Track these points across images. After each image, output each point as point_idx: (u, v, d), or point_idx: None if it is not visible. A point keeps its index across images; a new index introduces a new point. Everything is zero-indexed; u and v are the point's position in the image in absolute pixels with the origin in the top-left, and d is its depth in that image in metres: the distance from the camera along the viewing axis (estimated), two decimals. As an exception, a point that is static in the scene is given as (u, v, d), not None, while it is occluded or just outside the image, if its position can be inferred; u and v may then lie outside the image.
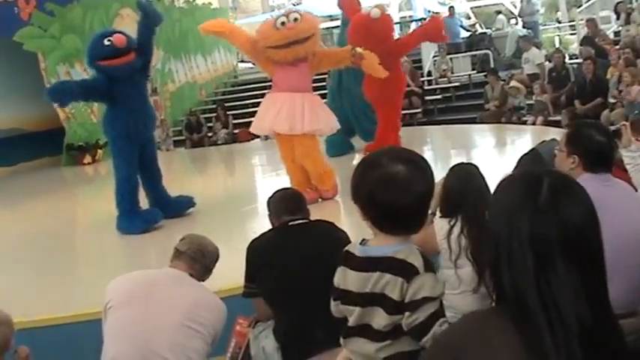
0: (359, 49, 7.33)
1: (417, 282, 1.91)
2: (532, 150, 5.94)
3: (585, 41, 14.02)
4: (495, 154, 10.65)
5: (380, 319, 1.96)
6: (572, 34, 20.32)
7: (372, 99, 9.22)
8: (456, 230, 3.30)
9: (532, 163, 5.32)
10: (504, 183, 1.56)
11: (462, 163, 3.74)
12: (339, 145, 10.57)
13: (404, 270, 1.92)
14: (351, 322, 2.04)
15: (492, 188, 1.67)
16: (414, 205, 1.91)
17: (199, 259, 3.31)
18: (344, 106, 10.50)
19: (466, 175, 3.51)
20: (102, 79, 6.80)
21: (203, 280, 3.35)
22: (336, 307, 2.12)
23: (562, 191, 1.47)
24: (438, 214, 3.44)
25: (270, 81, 8.03)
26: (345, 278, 2.05)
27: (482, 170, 3.61)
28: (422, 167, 1.95)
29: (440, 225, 3.37)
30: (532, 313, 1.39)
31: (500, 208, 1.50)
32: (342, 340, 2.14)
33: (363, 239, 2.07)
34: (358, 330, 2.03)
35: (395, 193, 1.88)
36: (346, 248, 2.11)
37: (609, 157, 3.13)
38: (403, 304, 1.92)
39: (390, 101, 9.16)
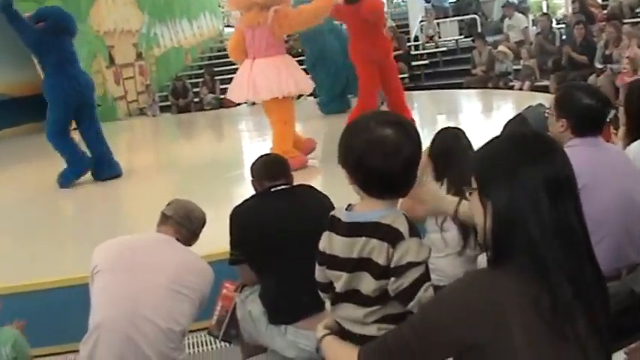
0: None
1: (403, 247, 1.90)
2: (518, 115, 5.94)
3: (578, 4, 13.93)
4: (482, 119, 10.65)
5: (368, 284, 1.94)
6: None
7: (355, 62, 8.94)
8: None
9: (518, 128, 5.32)
10: (492, 146, 1.65)
11: (448, 128, 3.75)
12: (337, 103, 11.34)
13: (389, 235, 1.91)
14: (339, 288, 2.02)
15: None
16: (402, 169, 1.90)
17: (186, 224, 3.31)
18: (330, 73, 10.61)
19: (452, 138, 3.54)
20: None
21: (190, 245, 3.35)
22: (321, 273, 2.11)
23: (547, 140, 1.65)
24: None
25: None
26: (331, 243, 2.04)
27: (468, 135, 3.63)
28: (410, 131, 1.93)
29: None
30: (551, 262, 1.49)
31: (505, 164, 1.58)
32: (329, 307, 2.13)
33: (349, 204, 2.06)
34: (346, 296, 2.01)
35: (383, 157, 1.87)
36: (332, 213, 2.09)
37: (599, 120, 3.07)
38: (389, 269, 1.91)
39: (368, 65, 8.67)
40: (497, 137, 1.70)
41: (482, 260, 2.55)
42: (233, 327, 3.47)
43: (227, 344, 3.68)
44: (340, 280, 2.01)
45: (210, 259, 3.67)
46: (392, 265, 1.90)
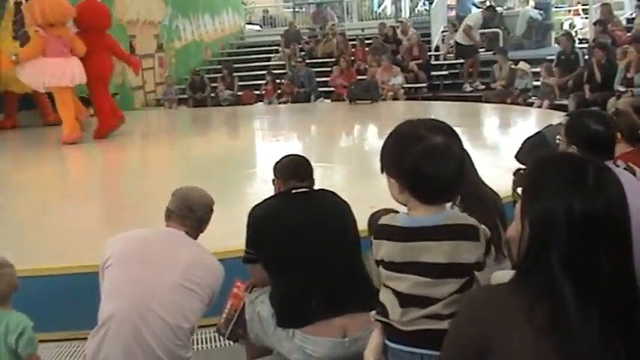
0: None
1: (482, 236, 1.99)
2: (538, 133, 5.93)
3: (598, 26, 13.87)
4: (499, 134, 10.63)
5: (450, 287, 1.96)
6: (584, 17, 20.15)
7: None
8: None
9: (537, 146, 5.30)
10: (546, 165, 1.64)
11: None
12: None
13: (471, 233, 1.97)
14: (407, 289, 2.00)
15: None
16: (456, 172, 1.95)
17: (188, 215, 3.26)
18: None
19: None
20: None
21: (201, 231, 3.31)
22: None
23: (605, 173, 1.58)
24: None
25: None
26: (393, 251, 2.02)
27: (486, 149, 3.63)
28: (454, 134, 2.00)
29: None
30: (563, 296, 1.49)
31: (549, 188, 1.56)
32: (399, 312, 2.04)
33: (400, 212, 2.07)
34: (417, 299, 1.99)
35: (440, 163, 1.92)
36: (386, 222, 2.06)
37: (607, 145, 3.10)
38: (479, 263, 1.98)
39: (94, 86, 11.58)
40: (558, 154, 1.78)
41: (497, 276, 2.54)
42: (240, 326, 3.46)
43: (234, 343, 3.66)
44: (407, 282, 2.00)
45: (223, 257, 3.67)
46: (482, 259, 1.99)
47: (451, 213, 2.01)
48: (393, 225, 2.04)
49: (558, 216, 1.51)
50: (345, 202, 3.35)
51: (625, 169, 3.37)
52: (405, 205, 2.03)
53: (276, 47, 19.35)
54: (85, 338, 3.10)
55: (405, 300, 2.00)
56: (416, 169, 1.93)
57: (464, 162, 1.99)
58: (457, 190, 2.03)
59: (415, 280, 1.98)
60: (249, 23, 24.63)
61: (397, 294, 2.02)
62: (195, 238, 3.32)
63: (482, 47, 15.78)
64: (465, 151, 3.47)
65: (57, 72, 10.84)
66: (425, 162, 1.91)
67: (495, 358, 1.52)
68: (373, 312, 2.12)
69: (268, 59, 18.92)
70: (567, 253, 1.50)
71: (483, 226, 2.04)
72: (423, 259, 1.97)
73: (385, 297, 2.07)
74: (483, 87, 14.76)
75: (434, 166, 1.91)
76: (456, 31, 16.71)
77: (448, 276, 1.96)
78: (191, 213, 3.28)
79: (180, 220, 3.26)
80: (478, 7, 19.58)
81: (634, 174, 3.44)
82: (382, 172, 2.03)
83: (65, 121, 11.09)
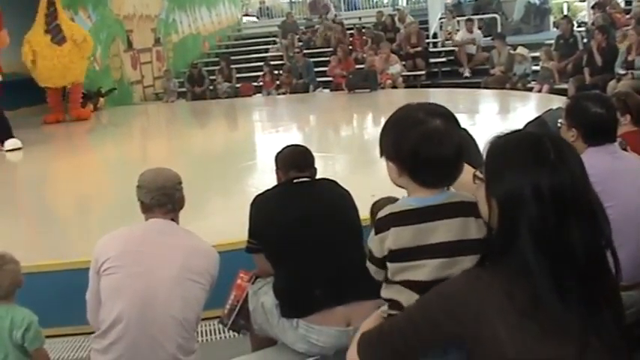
0: None
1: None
2: (538, 117, 5.92)
3: (596, 8, 13.83)
4: (499, 120, 10.60)
5: (468, 264, 1.90)
6: (581, 0, 20.10)
7: None
8: None
9: (538, 130, 5.29)
10: (505, 144, 1.66)
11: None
12: None
13: (476, 209, 1.88)
14: (426, 277, 1.93)
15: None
16: (455, 156, 1.94)
17: (169, 201, 3.18)
18: None
19: (464, 137, 3.58)
20: None
21: (182, 208, 3.26)
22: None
23: (563, 147, 1.61)
24: None
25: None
26: (403, 236, 1.96)
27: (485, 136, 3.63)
28: (454, 119, 2.00)
29: None
30: (537, 270, 1.49)
31: (512, 166, 1.58)
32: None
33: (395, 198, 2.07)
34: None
35: (439, 146, 1.90)
36: (390, 211, 2.01)
37: (608, 128, 3.09)
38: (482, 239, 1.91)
39: None
40: (513, 132, 1.72)
41: None
42: (242, 317, 3.45)
43: (237, 334, 3.66)
44: (426, 269, 1.94)
45: (226, 249, 3.67)
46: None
47: (452, 192, 1.99)
48: (398, 211, 1.99)
49: (526, 193, 1.53)
50: (346, 190, 3.34)
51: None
52: (405, 188, 2.01)
53: (273, 38, 19.32)
54: (91, 333, 3.09)
55: (426, 289, 1.87)
56: (415, 152, 1.91)
57: (463, 146, 1.96)
58: (457, 174, 1.98)
59: (432, 264, 1.93)
60: (246, 15, 24.62)
61: (414, 284, 1.95)
62: (178, 217, 3.26)
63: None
64: (470, 136, 3.46)
65: None
66: (423, 146, 1.89)
67: (477, 346, 1.52)
68: (384, 307, 2.06)
69: (266, 50, 18.89)
70: (538, 231, 1.51)
71: None
72: (434, 239, 1.93)
73: (393, 292, 2.01)
74: (469, 74, 14.82)
75: (433, 150, 1.89)
76: (454, 17, 16.69)
77: (461, 254, 1.92)
78: (170, 198, 3.19)
79: (162, 209, 3.17)
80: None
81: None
82: (381, 155, 2.01)
83: None
